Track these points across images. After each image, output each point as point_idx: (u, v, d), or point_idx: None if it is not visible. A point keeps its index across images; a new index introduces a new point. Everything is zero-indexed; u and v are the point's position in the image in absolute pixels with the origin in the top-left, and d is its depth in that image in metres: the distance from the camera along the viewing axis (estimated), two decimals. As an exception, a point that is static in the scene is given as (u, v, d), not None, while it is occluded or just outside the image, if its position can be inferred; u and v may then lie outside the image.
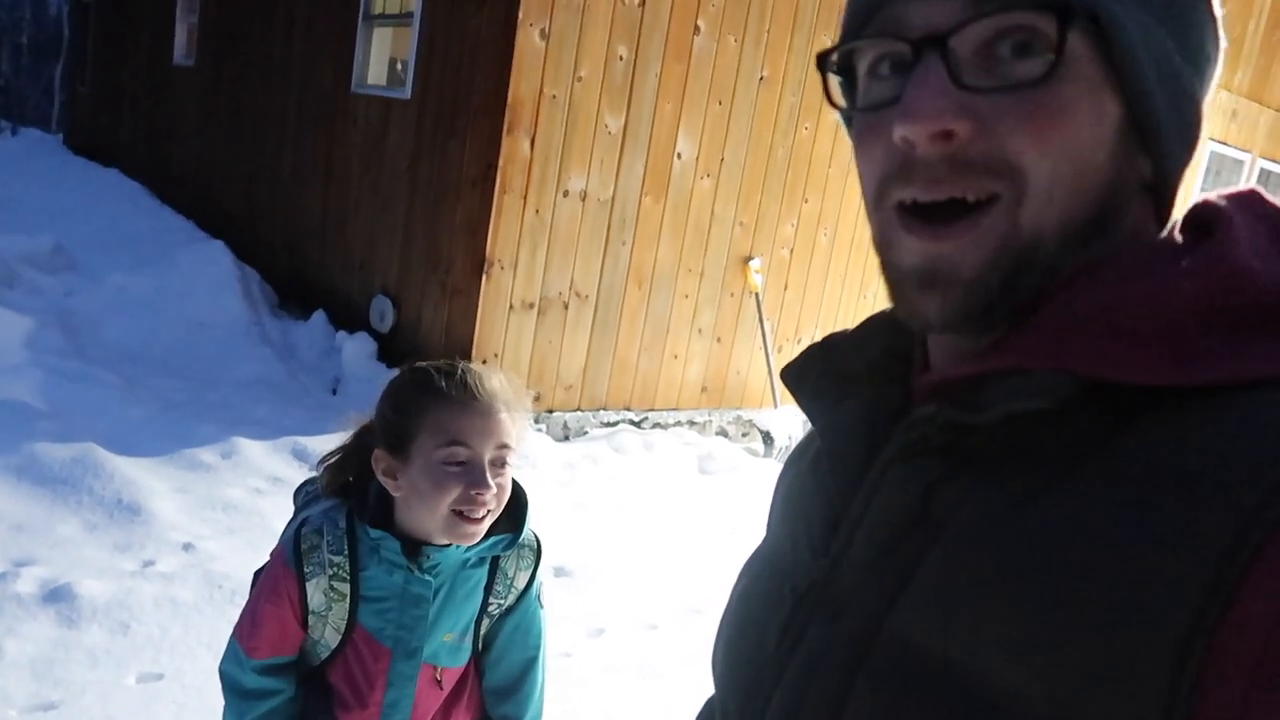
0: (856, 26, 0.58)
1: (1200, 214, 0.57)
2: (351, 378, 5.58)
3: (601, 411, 5.60)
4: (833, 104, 0.62)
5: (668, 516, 4.57)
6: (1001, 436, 0.53)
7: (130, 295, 6.16)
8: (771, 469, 5.72)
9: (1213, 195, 0.58)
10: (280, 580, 1.37)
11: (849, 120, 0.63)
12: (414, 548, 1.35)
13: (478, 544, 1.37)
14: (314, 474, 1.47)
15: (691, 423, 5.96)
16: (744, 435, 6.17)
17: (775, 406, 6.15)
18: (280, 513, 3.82)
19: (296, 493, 1.54)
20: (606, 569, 3.86)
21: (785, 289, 6.23)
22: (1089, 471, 0.49)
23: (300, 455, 4.45)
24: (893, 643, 0.53)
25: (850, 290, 6.60)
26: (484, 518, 1.32)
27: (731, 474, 5.40)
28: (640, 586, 3.79)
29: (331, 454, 1.45)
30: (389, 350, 5.65)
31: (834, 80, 0.62)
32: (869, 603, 0.56)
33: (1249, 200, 0.56)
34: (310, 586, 1.35)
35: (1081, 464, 0.49)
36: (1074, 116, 0.52)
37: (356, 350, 5.68)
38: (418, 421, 1.30)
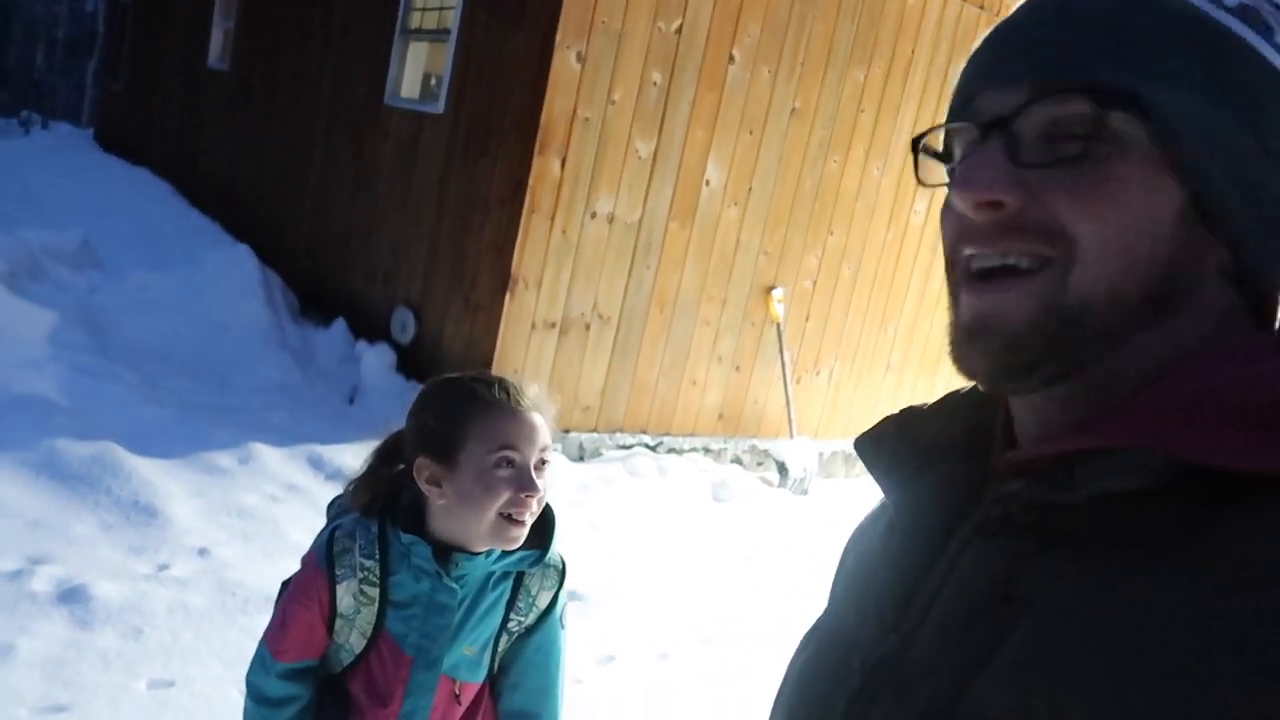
0: (953, 112, 0.64)
1: None
2: (370, 388, 5.59)
3: (618, 434, 5.58)
4: (920, 181, 0.67)
5: (680, 543, 4.54)
6: (1089, 517, 0.53)
7: (154, 294, 6.20)
8: (785, 499, 5.69)
9: None
10: (311, 582, 1.39)
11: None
12: (444, 554, 1.38)
13: (506, 558, 1.40)
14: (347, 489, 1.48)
15: (707, 449, 5.94)
16: (759, 464, 6.15)
17: (791, 437, 6.12)
18: (295, 521, 3.82)
19: (330, 505, 1.55)
20: (618, 594, 3.83)
21: (807, 320, 6.22)
22: (1180, 558, 0.48)
23: (316, 463, 4.45)
24: None
25: (871, 324, 6.58)
26: (527, 521, 1.36)
27: (745, 503, 5.38)
28: (651, 614, 3.76)
29: (361, 472, 1.46)
30: (409, 362, 5.66)
31: (925, 160, 0.67)
32: (944, 681, 0.55)
33: None
34: (340, 589, 1.37)
35: (1172, 549, 0.49)
36: (1123, 191, 0.55)
37: (376, 360, 5.69)
38: (466, 429, 1.34)
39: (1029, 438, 0.62)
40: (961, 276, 0.60)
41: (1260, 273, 0.58)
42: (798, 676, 0.71)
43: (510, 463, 1.34)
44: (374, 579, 1.38)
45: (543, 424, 1.38)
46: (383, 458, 1.45)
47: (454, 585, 1.38)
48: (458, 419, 1.36)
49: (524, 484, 1.33)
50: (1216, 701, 0.43)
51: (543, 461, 1.37)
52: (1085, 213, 0.54)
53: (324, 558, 1.38)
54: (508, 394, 1.37)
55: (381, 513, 1.41)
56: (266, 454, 4.34)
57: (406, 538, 1.36)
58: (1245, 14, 0.57)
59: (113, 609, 2.89)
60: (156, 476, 3.84)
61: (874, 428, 0.71)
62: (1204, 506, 0.50)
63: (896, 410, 0.72)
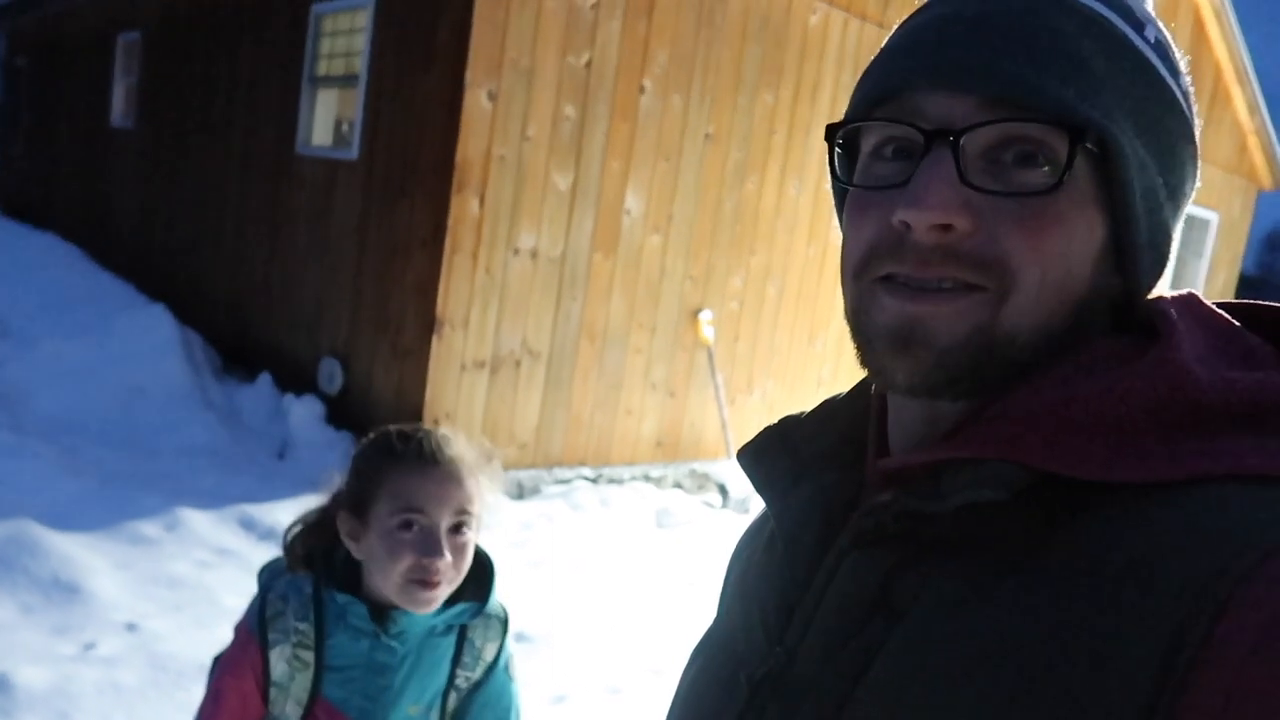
0: (868, 105, 0.59)
1: (1146, 316, 0.59)
2: (300, 442, 5.47)
3: (556, 468, 5.55)
4: (834, 175, 0.63)
5: (626, 574, 4.52)
6: (957, 526, 0.54)
7: (67, 363, 5.99)
8: (729, 520, 5.71)
9: (1155, 298, 0.60)
10: (243, 650, 1.34)
11: (841, 193, 0.64)
12: (381, 613, 1.34)
13: (444, 612, 1.36)
14: (277, 555, 1.44)
15: (648, 477, 5.94)
16: (700, 488, 6.16)
17: (730, 458, 6.15)
18: (229, 586, 3.70)
19: (260, 573, 1.50)
20: (566, 632, 3.79)
21: (736, 341, 6.28)
22: (1039, 563, 0.50)
23: (248, 524, 4.33)
24: None
25: (799, 340, 6.67)
26: (440, 585, 1.30)
27: (689, 527, 5.38)
28: (601, 649, 3.72)
29: (298, 521, 1.43)
30: (338, 412, 5.56)
31: (838, 153, 0.64)
32: (827, 692, 0.56)
33: (1190, 304, 0.58)
34: (274, 655, 1.32)
35: (1032, 555, 0.51)
36: (1068, 230, 0.54)
37: (304, 413, 5.58)
38: (375, 487, 1.31)
39: (902, 445, 0.63)
40: (875, 284, 0.58)
41: (1139, 299, 0.61)
42: (687, 690, 0.71)
43: (413, 524, 1.29)
44: (309, 643, 1.33)
45: (466, 483, 1.32)
46: (322, 511, 1.41)
47: (393, 644, 1.34)
48: (369, 475, 1.32)
49: (427, 548, 1.28)
50: (1065, 702, 0.45)
51: (459, 525, 1.31)
52: (1032, 250, 0.53)
53: (256, 623, 1.33)
54: (421, 450, 1.31)
55: (316, 572, 1.37)
56: (195, 519, 4.21)
57: (342, 597, 1.32)
58: (1160, 51, 0.58)
59: (37, 695, 2.76)
60: (77, 551, 3.69)
61: (754, 439, 0.71)
62: (1058, 514, 0.51)
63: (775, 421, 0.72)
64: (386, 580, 1.30)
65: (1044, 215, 0.54)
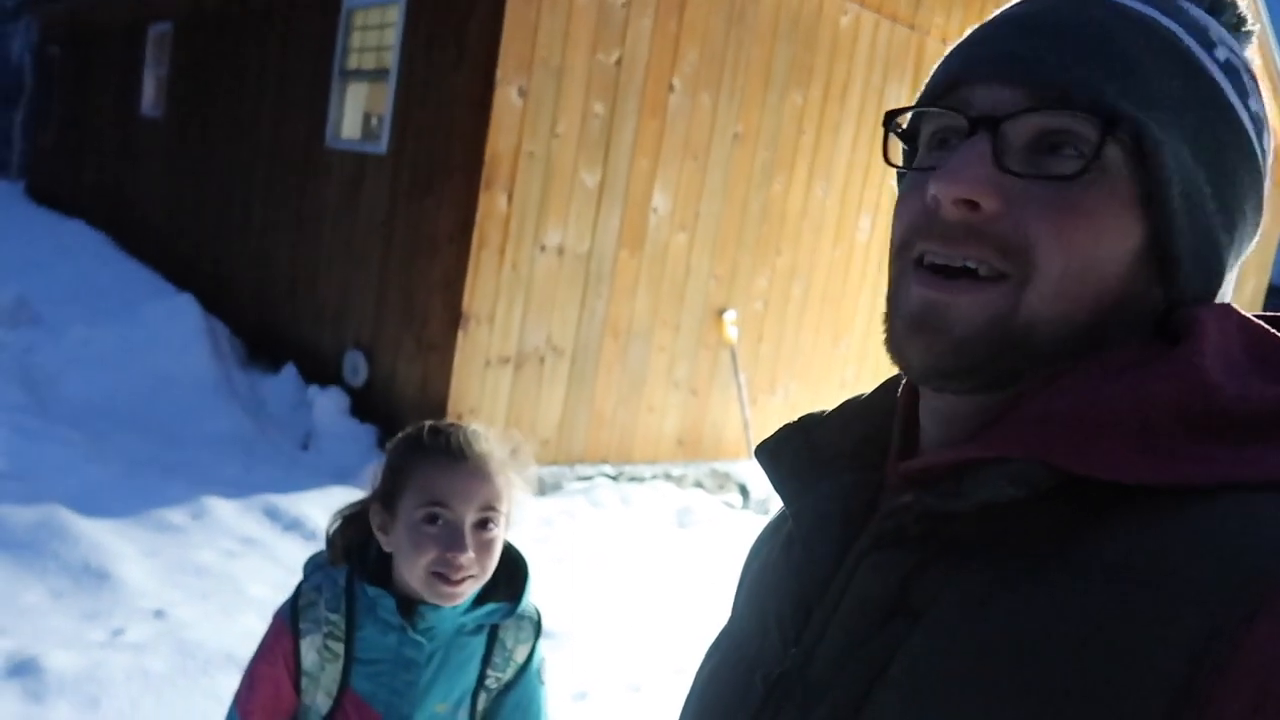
0: (930, 98, 0.62)
1: (1177, 322, 0.58)
2: (323, 433, 5.50)
3: (578, 465, 5.55)
4: (888, 160, 0.65)
5: (647, 572, 4.52)
6: (979, 526, 0.54)
7: (94, 349, 6.05)
8: (749, 521, 5.70)
9: (1196, 305, 0.59)
10: (276, 639, 1.36)
11: (901, 179, 0.66)
12: (410, 607, 1.35)
13: (474, 611, 1.36)
14: (322, 549, 1.45)
15: (668, 476, 5.93)
16: (721, 488, 6.15)
17: (752, 459, 6.14)
18: (254, 575, 3.73)
19: (306, 565, 1.51)
20: (587, 628, 3.79)
21: (760, 341, 6.26)
22: (1062, 565, 0.50)
23: (273, 514, 4.36)
24: None
25: (823, 342, 6.65)
26: (463, 580, 1.31)
27: (709, 527, 5.37)
28: (622, 646, 3.73)
29: (338, 514, 1.44)
30: (362, 405, 5.58)
31: (895, 140, 0.66)
32: (844, 693, 0.56)
33: (1226, 313, 0.57)
34: (304, 644, 1.34)
35: (1055, 557, 0.51)
36: (1096, 221, 0.55)
37: (328, 405, 5.61)
38: (404, 480, 1.32)
39: (932, 444, 0.63)
40: (909, 266, 0.59)
41: (1186, 315, 0.59)
42: (702, 689, 0.71)
43: (437, 518, 1.29)
44: (339, 634, 1.34)
45: (491, 479, 1.32)
46: (359, 505, 1.42)
47: (420, 639, 1.34)
48: (399, 468, 1.34)
49: (451, 543, 1.28)
50: (1088, 703, 0.45)
51: (485, 521, 1.31)
52: (1055, 236, 0.54)
53: (289, 613, 1.36)
54: (449, 444, 1.32)
55: (350, 565, 1.38)
56: (220, 507, 4.24)
57: (372, 590, 1.33)
58: (1230, 71, 0.58)
59: (67, 680, 2.79)
60: (106, 538, 3.72)
61: (773, 436, 0.71)
62: (1082, 515, 0.51)
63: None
64: (411, 573, 1.31)
65: (1073, 205, 0.54)
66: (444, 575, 1.29)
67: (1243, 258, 0.62)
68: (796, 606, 0.62)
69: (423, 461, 1.32)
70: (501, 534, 1.35)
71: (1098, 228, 0.54)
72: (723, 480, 6.16)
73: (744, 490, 6.01)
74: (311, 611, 1.34)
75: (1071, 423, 0.52)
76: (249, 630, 3.16)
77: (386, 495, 1.34)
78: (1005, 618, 0.50)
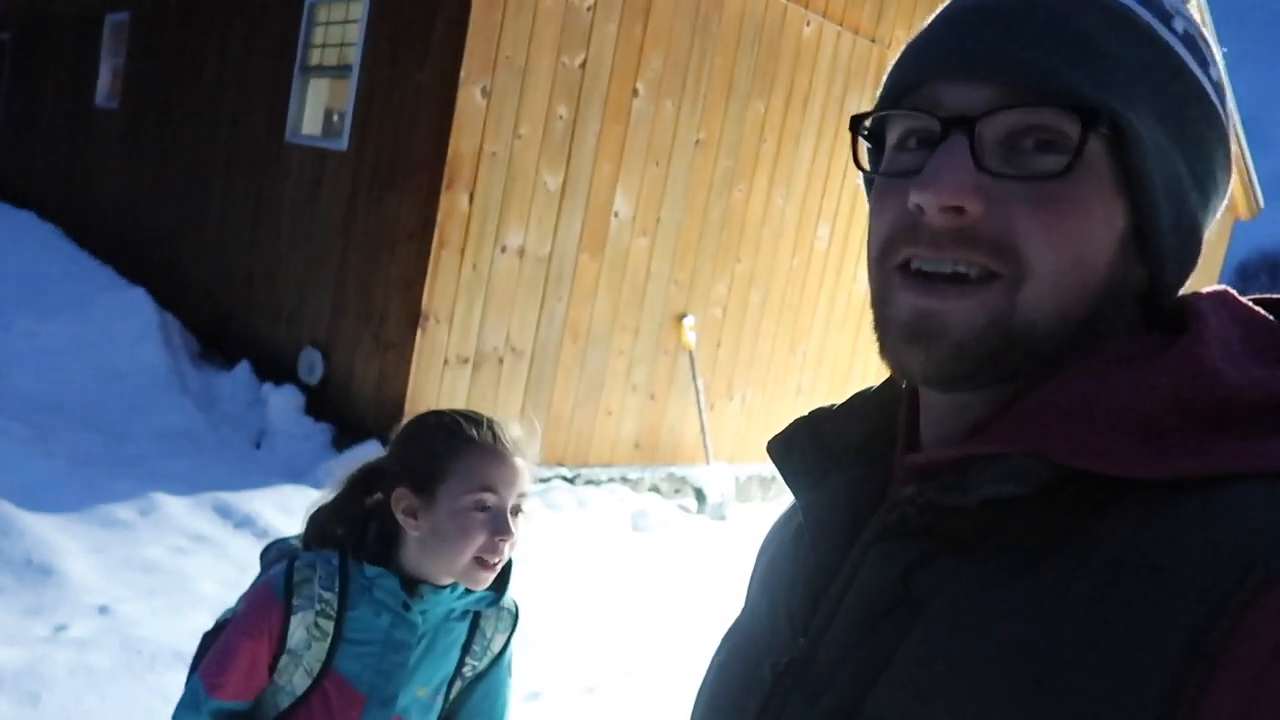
0: (893, 98, 0.60)
1: (1176, 312, 0.59)
2: (277, 431, 5.44)
3: (534, 467, 5.54)
4: (858, 165, 0.64)
5: (602, 575, 4.53)
6: (981, 520, 0.55)
7: (41, 343, 5.92)
8: (705, 525, 5.73)
9: (1189, 293, 0.60)
10: (264, 612, 1.34)
11: (869, 183, 0.65)
12: (410, 588, 1.36)
13: (466, 596, 1.39)
14: (281, 536, 1.45)
15: (625, 479, 5.95)
16: (677, 492, 6.18)
17: (708, 463, 6.18)
18: (204, 573, 3.68)
19: (264, 552, 1.50)
20: (542, 630, 3.79)
21: (718, 346, 6.31)
22: (1062, 558, 0.51)
23: (223, 512, 4.30)
24: None
25: (780, 348, 6.71)
26: (498, 565, 1.35)
27: (665, 530, 5.39)
28: (576, 648, 3.73)
29: (326, 500, 1.44)
30: (318, 403, 5.53)
31: (862, 144, 0.65)
32: (848, 683, 0.57)
33: (1224, 300, 0.58)
34: (294, 621, 1.33)
35: (1055, 550, 0.51)
36: (1084, 215, 0.55)
37: (283, 402, 5.55)
38: (449, 466, 1.34)
39: (934, 439, 0.63)
40: (894, 272, 0.59)
41: (1167, 292, 0.60)
42: (714, 678, 0.72)
43: (487, 505, 1.33)
44: (331, 612, 1.34)
45: (524, 468, 1.37)
46: (357, 488, 1.44)
47: (417, 620, 1.36)
48: (442, 454, 1.35)
49: (499, 527, 1.32)
50: (1087, 695, 0.46)
51: (518, 506, 1.36)
52: (1045, 234, 0.54)
53: (281, 587, 1.34)
54: (493, 435, 1.36)
55: (342, 547, 1.39)
56: (170, 504, 4.18)
57: (372, 570, 1.35)
58: (1189, 43, 0.58)
59: (7, 675, 2.73)
60: (50, 533, 3.65)
61: (785, 430, 0.72)
62: (1084, 509, 0.52)
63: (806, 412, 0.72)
64: (454, 558, 1.33)
65: (1059, 200, 0.54)
66: (485, 560, 1.33)
67: (1215, 219, 0.62)
68: (805, 597, 0.63)
69: (468, 448, 1.34)
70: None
71: (1086, 221, 0.54)
72: (679, 484, 6.19)
73: (700, 494, 6.04)
74: (306, 588, 1.34)
75: (1071, 417, 0.52)
76: (197, 627, 3.12)
77: (421, 480, 1.34)
78: (1006, 611, 0.50)
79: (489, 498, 1.33)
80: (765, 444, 0.72)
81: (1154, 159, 0.56)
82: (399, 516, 1.36)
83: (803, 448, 0.69)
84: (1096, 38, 0.55)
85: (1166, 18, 0.57)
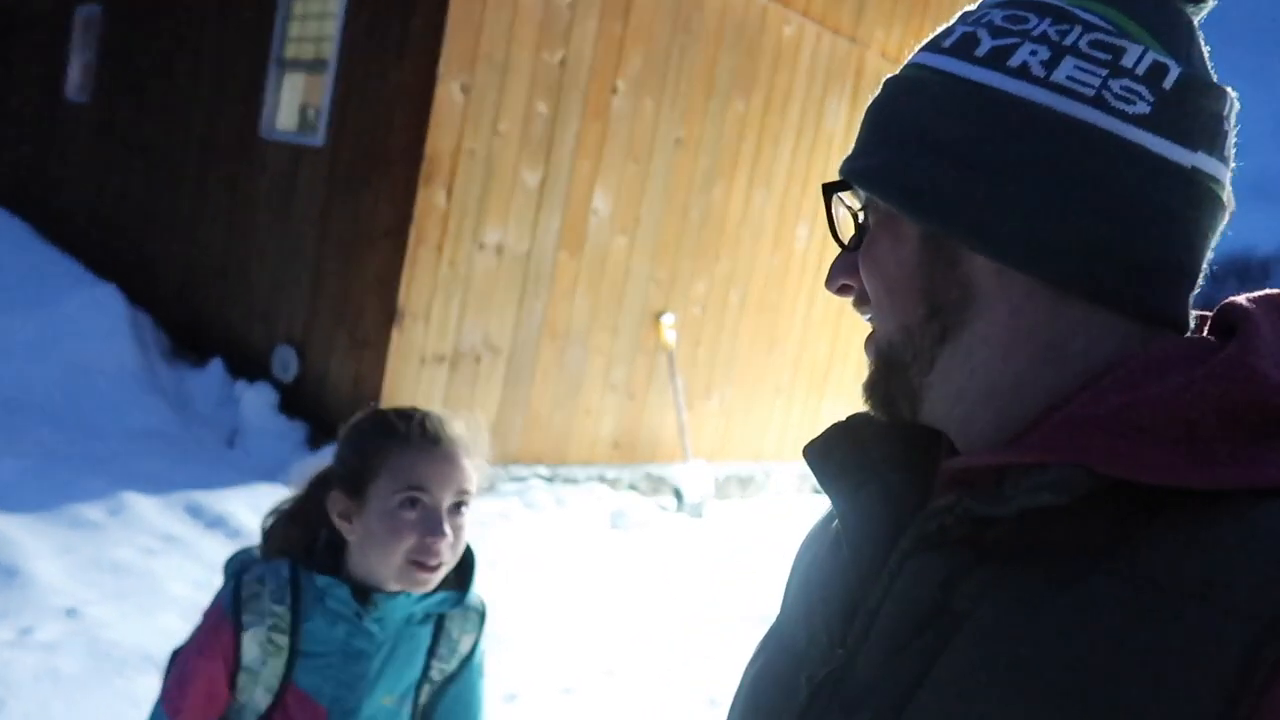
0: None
1: (1226, 316, 0.58)
2: (251, 430, 5.36)
3: (512, 466, 5.51)
4: (834, 232, 0.74)
5: (580, 574, 4.50)
6: (1020, 530, 0.54)
7: (8, 339, 5.81)
8: (682, 524, 5.71)
9: (1241, 297, 0.59)
10: (214, 632, 1.30)
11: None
12: (363, 595, 1.32)
13: (424, 600, 1.34)
14: (245, 546, 1.40)
15: (603, 478, 5.92)
16: (655, 491, 6.16)
17: (686, 462, 6.16)
18: (175, 573, 3.61)
19: (228, 563, 1.46)
20: (520, 630, 3.76)
21: (697, 346, 6.29)
22: (1106, 572, 0.49)
23: (195, 512, 4.23)
24: None
25: (759, 348, 6.71)
26: (438, 566, 1.30)
27: (643, 530, 5.37)
28: (554, 648, 3.70)
29: (275, 510, 1.40)
30: (292, 401, 5.46)
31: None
32: (886, 696, 0.55)
33: (1275, 304, 0.57)
34: (246, 638, 1.29)
35: (1099, 563, 0.50)
36: (880, 250, 0.64)
37: (257, 401, 5.47)
38: (376, 464, 1.29)
39: (964, 446, 0.63)
40: None
41: (1024, 255, 0.56)
42: (750, 687, 0.71)
43: (416, 503, 1.28)
44: (284, 626, 1.30)
45: (464, 464, 1.31)
46: (313, 492, 1.39)
47: (372, 629, 1.31)
48: (369, 453, 1.30)
49: (430, 527, 1.27)
50: (1132, 714, 0.45)
51: (459, 504, 1.31)
52: (868, 277, 0.64)
53: (230, 604, 1.30)
54: (425, 430, 1.31)
55: (293, 557, 1.34)
56: (140, 504, 4.11)
57: (322, 579, 1.30)
58: (994, 59, 0.59)
59: (-30, 680, 2.67)
60: (16, 533, 3.57)
61: (821, 436, 0.70)
62: (1127, 520, 0.51)
63: (843, 419, 0.72)
64: (386, 560, 1.28)
65: (867, 250, 0.65)
66: (420, 562, 1.27)
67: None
68: (843, 607, 0.63)
69: (398, 446, 1.29)
70: (469, 518, 1.34)
71: (882, 253, 0.63)
72: (657, 484, 6.17)
73: (678, 494, 6.02)
74: (255, 603, 1.29)
75: (1112, 425, 0.51)
76: (168, 630, 3.06)
77: (352, 481, 1.30)
78: (1051, 624, 0.49)
79: (419, 495, 1.27)
80: (802, 449, 0.71)
81: (905, 194, 0.61)
82: (335, 520, 1.32)
83: (841, 453, 0.68)
84: (896, 117, 0.63)
85: (969, 56, 0.59)
